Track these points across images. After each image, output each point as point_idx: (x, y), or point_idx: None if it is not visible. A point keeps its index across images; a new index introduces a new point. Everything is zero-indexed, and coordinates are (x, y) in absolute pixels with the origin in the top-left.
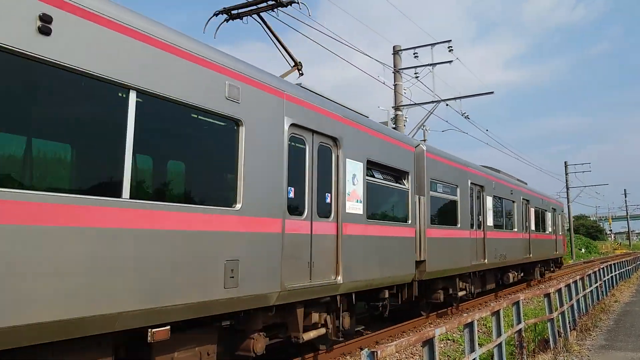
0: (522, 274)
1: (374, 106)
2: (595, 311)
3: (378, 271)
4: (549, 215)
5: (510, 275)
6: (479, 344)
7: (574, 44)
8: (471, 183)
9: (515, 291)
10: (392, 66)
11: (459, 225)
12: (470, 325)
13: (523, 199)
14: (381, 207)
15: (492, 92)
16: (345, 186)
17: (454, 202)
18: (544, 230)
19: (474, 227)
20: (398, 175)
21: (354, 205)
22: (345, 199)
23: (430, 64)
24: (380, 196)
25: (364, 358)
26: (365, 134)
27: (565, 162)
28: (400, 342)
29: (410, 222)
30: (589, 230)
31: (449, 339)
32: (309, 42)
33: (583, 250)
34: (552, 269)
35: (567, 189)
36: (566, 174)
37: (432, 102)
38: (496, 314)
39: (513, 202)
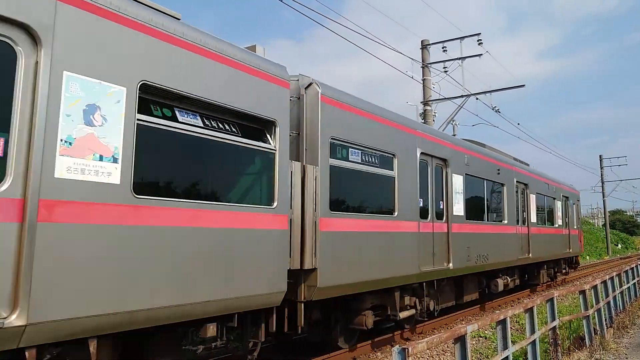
0: (525, 277)
1: (402, 102)
2: (632, 308)
3: (170, 293)
4: (558, 205)
5: (500, 281)
6: (512, 342)
7: (608, 33)
8: (422, 154)
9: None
10: (421, 61)
11: (396, 214)
12: (502, 322)
13: (518, 182)
14: (190, 176)
15: (523, 85)
16: (59, 124)
17: (388, 180)
18: (552, 223)
19: (429, 218)
20: (251, 125)
21: (88, 166)
22: (55, 151)
23: (460, 58)
24: (187, 156)
25: (395, 355)
26: (138, 35)
27: (600, 156)
28: (431, 339)
29: (276, 205)
30: (625, 225)
31: (480, 336)
32: (335, 38)
33: (619, 245)
34: (564, 270)
35: (602, 183)
36: (601, 167)
37: (462, 96)
38: (529, 310)
39: (502, 185)
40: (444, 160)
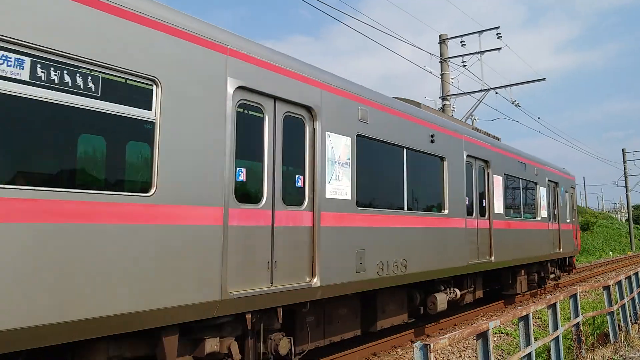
0: (506, 286)
1: (421, 97)
2: None
3: None
4: (542, 192)
5: (441, 297)
6: (534, 338)
7: (630, 25)
8: (243, 89)
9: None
10: (439, 55)
11: (153, 193)
12: (525, 319)
13: (471, 156)
14: None
15: (543, 79)
16: None
17: (135, 127)
18: (532, 216)
19: (263, 203)
20: None
21: None
22: None
23: (478, 52)
24: None
25: (417, 351)
26: None
27: (623, 149)
28: (453, 335)
29: None
30: None
31: (502, 333)
32: (353, 33)
33: None
34: (553, 275)
35: (626, 177)
36: (624, 161)
37: (481, 90)
38: (552, 306)
39: (440, 159)
40: (308, 108)
